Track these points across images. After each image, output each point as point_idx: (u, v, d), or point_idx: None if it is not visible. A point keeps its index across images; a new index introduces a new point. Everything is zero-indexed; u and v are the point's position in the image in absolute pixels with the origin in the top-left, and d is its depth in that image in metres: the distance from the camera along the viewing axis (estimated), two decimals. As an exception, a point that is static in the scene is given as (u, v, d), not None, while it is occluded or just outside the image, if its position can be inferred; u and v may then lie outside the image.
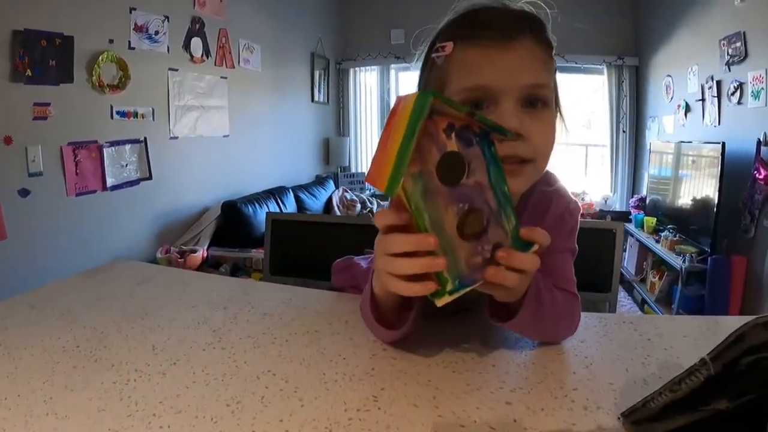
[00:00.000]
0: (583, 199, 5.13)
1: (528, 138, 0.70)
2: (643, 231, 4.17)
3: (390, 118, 0.55)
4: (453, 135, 0.56)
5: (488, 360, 0.75)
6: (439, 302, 0.57)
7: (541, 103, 0.72)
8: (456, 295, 0.57)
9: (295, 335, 0.86)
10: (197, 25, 3.69)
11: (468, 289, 0.58)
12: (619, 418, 0.58)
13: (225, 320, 0.93)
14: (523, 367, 0.74)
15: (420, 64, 0.83)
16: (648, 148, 4.59)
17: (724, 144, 3.16)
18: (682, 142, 3.89)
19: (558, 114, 0.79)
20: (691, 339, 0.84)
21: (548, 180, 0.86)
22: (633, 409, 0.56)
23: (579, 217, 0.90)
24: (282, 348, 0.81)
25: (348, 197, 5.40)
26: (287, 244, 1.61)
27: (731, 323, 0.95)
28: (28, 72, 2.52)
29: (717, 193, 3.18)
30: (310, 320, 0.92)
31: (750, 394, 0.48)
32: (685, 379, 0.50)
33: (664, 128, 4.50)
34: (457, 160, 0.57)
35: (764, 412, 0.47)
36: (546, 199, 0.86)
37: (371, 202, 5.45)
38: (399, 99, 0.55)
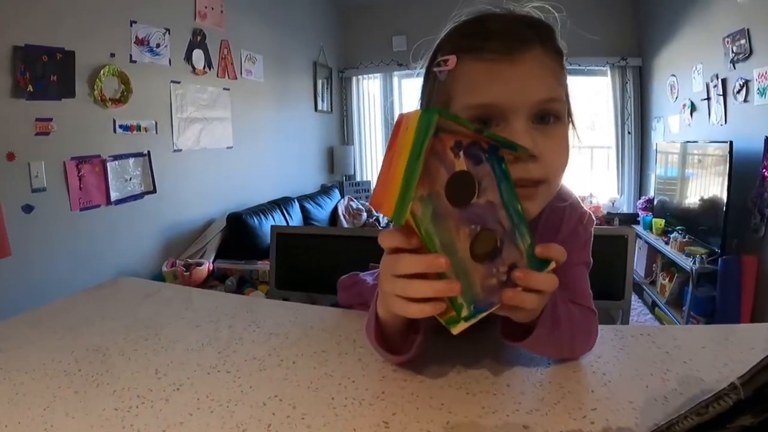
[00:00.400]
0: (590, 202, 5.10)
1: (540, 157, 0.65)
2: (652, 233, 4.13)
3: (393, 138, 0.52)
4: (461, 153, 0.54)
5: (502, 380, 0.73)
6: (455, 330, 0.54)
7: (554, 117, 0.68)
8: (472, 321, 0.55)
9: (302, 356, 0.83)
10: (198, 37, 3.69)
11: (485, 313, 0.56)
12: (642, 442, 0.56)
13: (230, 341, 0.91)
14: (540, 387, 0.71)
15: (422, 76, 0.78)
16: (654, 148, 4.55)
17: (731, 143, 3.13)
18: (688, 141, 3.86)
19: (570, 124, 0.75)
20: (710, 350, 0.81)
21: (561, 195, 0.81)
22: (657, 433, 0.53)
23: (593, 228, 0.86)
24: (288, 371, 0.79)
25: (354, 206, 5.38)
26: (293, 258, 1.59)
27: (748, 332, 0.92)
28: (30, 88, 2.51)
29: (725, 193, 3.15)
30: (316, 340, 0.90)
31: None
32: (713, 404, 0.47)
33: (670, 128, 4.47)
34: (467, 179, 0.54)
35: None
36: (558, 214, 0.82)
37: (377, 212, 5.41)
38: (401, 117, 0.52)
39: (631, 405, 0.65)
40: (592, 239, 0.86)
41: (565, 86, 0.72)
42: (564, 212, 0.82)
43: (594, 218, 0.86)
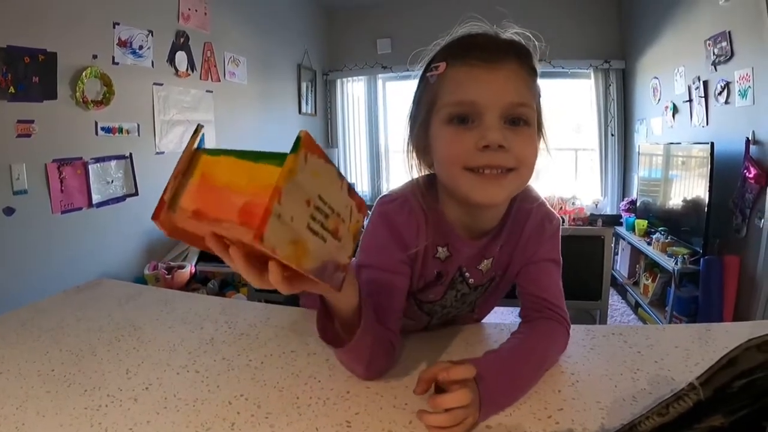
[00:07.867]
0: (573, 204, 5.11)
1: (510, 149, 0.73)
2: (635, 234, 4.15)
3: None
4: None
5: (470, 379, 0.72)
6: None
7: (523, 121, 0.76)
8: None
9: (270, 357, 0.83)
10: (182, 39, 3.66)
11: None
12: (604, 441, 0.55)
13: (201, 342, 0.91)
14: (507, 386, 0.71)
15: (406, 78, 0.88)
16: (637, 150, 4.58)
17: (713, 144, 3.16)
18: (671, 143, 3.88)
19: (540, 137, 0.83)
20: (683, 349, 0.82)
21: (530, 197, 0.89)
22: (619, 432, 0.53)
23: (560, 227, 0.92)
24: (256, 371, 0.79)
25: (339, 207, 5.36)
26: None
27: (723, 331, 0.93)
28: (11, 89, 2.48)
29: (707, 194, 3.17)
30: (287, 340, 0.90)
31: (745, 409, 0.46)
32: (673, 404, 0.47)
33: (653, 130, 4.50)
34: None
35: (760, 426, 0.45)
36: (525, 213, 0.88)
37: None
38: None
39: (599, 405, 0.65)
40: (567, 237, 0.91)
41: (537, 99, 0.80)
42: (530, 212, 0.89)
43: (560, 219, 0.93)
